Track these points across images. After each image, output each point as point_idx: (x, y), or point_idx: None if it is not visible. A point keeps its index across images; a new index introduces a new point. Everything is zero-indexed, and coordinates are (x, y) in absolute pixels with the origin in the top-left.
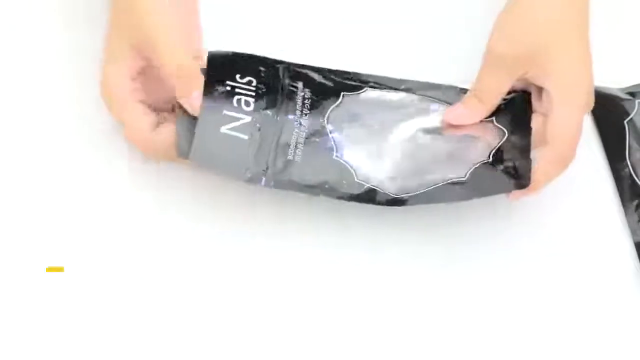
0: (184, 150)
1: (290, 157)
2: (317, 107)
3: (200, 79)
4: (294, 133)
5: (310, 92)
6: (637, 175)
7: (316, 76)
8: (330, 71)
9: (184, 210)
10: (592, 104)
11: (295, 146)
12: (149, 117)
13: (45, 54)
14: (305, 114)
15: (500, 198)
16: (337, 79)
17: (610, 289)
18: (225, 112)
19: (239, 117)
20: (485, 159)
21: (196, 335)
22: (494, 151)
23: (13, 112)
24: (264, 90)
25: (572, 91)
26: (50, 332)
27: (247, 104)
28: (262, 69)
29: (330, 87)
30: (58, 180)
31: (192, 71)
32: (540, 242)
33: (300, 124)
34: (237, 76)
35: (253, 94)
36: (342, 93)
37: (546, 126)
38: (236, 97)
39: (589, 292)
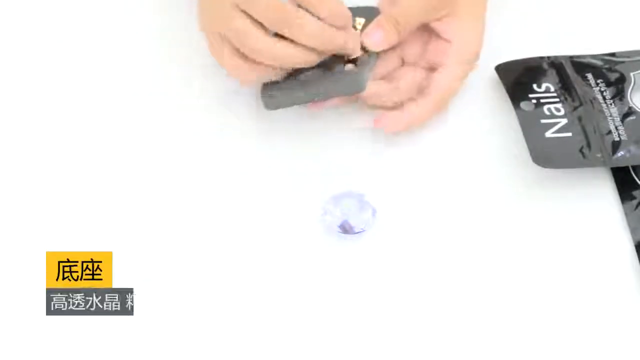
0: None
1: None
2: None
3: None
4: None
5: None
6: (637, 175)
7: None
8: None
9: None
10: (475, 66)
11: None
12: None
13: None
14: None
15: (500, 198)
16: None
17: (610, 289)
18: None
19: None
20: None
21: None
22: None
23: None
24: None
25: (468, 50)
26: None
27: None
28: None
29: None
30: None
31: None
32: (540, 242)
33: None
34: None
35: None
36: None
37: (432, 76)
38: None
39: (589, 292)
